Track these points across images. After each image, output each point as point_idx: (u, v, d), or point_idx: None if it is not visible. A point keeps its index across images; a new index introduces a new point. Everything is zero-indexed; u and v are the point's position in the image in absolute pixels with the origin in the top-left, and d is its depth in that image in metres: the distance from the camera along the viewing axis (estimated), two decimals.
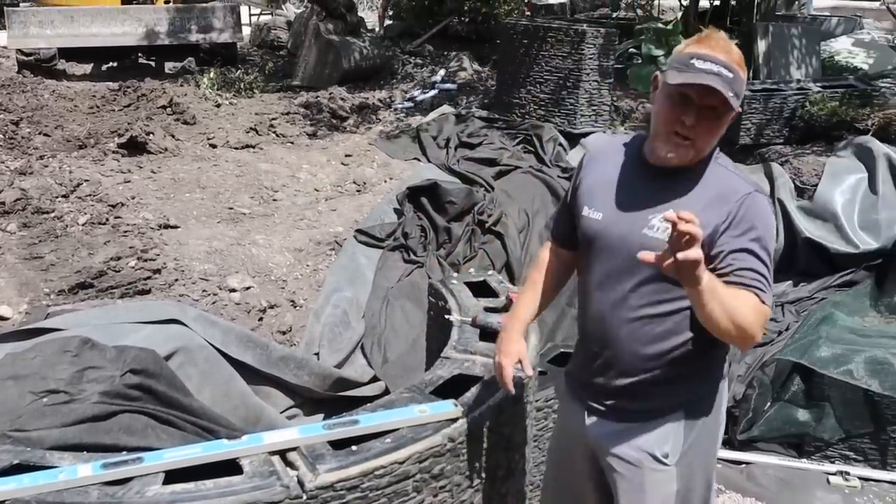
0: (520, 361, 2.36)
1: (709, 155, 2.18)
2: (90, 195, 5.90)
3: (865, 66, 11.62)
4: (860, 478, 4.56)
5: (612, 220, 2.22)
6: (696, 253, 1.77)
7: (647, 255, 1.87)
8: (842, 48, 12.61)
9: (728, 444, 4.78)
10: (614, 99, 8.58)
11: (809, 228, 6.23)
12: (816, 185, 6.50)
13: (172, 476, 2.09)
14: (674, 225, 1.75)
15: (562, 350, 4.42)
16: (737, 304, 1.93)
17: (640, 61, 9.82)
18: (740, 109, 2.10)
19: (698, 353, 2.22)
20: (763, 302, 2.00)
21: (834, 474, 4.57)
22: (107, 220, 5.56)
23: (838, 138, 7.07)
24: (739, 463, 4.65)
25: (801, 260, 6.19)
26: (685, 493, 2.29)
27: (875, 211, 6.17)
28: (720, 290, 1.91)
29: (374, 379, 4.69)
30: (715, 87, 2.00)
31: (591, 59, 7.93)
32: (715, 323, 1.94)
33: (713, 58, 2.05)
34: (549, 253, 2.54)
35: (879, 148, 6.55)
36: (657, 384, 2.23)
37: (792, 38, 9.46)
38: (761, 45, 9.23)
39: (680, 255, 1.78)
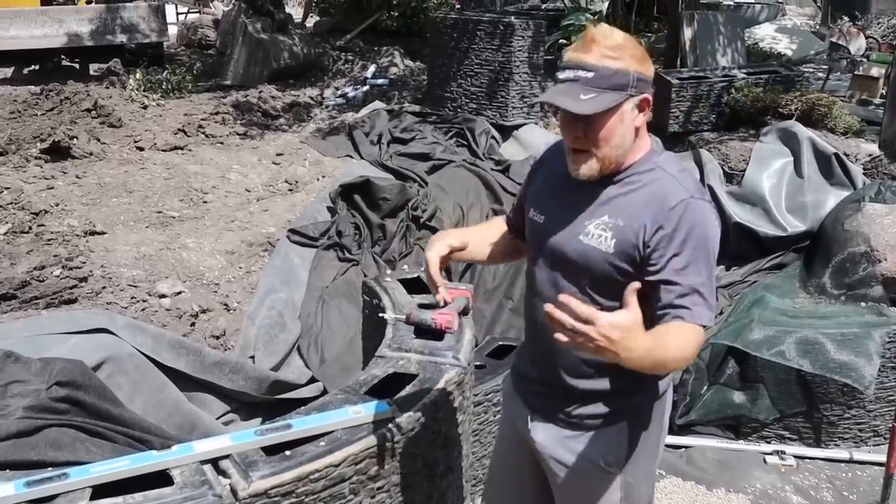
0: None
1: (646, 155, 2.08)
2: (11, 203, 5.71)
3: (789, 52, 11.91)
4: (795, 456, 4.66)
5: (551, 224, 2.16)
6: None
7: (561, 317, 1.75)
8: (765, 34, 12.91)
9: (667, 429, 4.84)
10: (545, 90, 8.64)
11: (739, 213, 6.33)
12: (744, 170, 6.61)
13: (101, 491, 2.02)
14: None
15: (500, 343, 4.44)
16: (671, 346, 1.87)
17: None
18: (633, 93, 1.96)
19: None
20: (701, 325, 1.93)
21: (770, 454, 4.66)
22: (30, 228, 5.38)
23: (764, 123, 7.20)
24: (679, 447, 4.71)
25: (732, 244, 6.27)
26: (628, 502, 2.26)
27: (801, 194, 6.30)
28: (652, 351, 1.81)
29: (312, 380, 4.64)
30: (558, 104, 1.92)
31: (521, 51, 7.95)
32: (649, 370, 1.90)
33: (572, 63, 1.95)
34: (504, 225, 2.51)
35: (803, 132, 6.68)
36: (603, 394, 2.18)
37: (717, 25, 9.62)
38: (687, 34, 9.37)
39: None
